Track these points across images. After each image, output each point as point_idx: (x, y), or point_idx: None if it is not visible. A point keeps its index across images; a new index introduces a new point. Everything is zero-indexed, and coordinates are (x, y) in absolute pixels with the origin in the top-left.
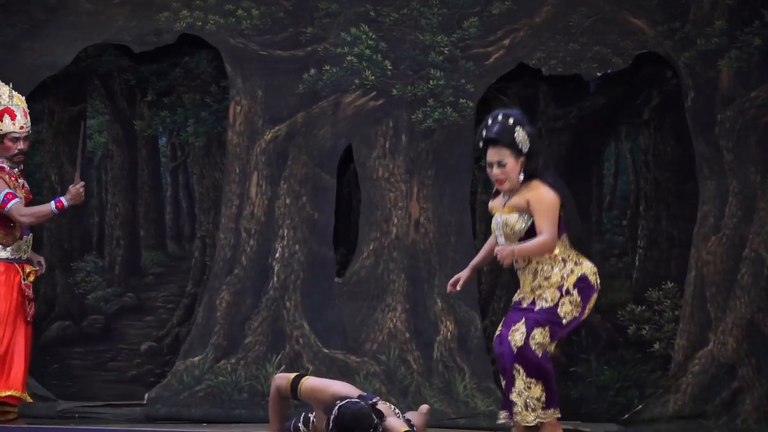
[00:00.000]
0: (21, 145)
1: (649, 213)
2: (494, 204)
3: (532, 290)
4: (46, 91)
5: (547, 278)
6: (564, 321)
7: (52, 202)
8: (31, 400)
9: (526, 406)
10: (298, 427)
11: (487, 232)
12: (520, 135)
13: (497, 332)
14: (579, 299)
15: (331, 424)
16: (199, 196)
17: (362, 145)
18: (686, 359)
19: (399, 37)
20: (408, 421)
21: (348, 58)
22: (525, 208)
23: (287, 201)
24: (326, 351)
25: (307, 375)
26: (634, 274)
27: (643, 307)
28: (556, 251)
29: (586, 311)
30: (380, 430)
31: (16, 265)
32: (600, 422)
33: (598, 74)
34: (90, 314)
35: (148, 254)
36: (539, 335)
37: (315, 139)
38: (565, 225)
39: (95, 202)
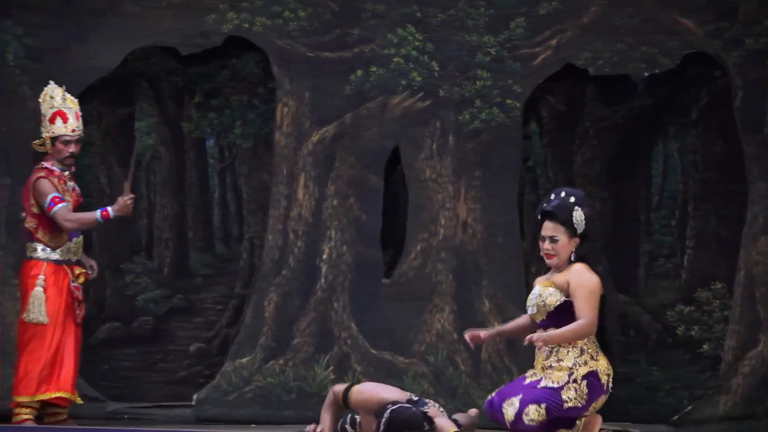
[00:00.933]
0: (72, 149)
1: (698, 213)
2: (539, 278)
3: (543, 368)
4: (95, 93)
5: (560, 360)
6: (565, 405)
7: (99, 211)
8: (81, 401)
9: None
10: (345, 428)
11: (536, 232)
12: (578, 215)
13: (489, 396)
14: (586, 392)
15: (382, 427)
16: (247, 198)
17: (409, 146)
18: (736, 360)
19: (446, 38)
20: (455, 422)
21: (395, 59)
22: (565, 288)
23: (335, 202)
24: (374, 352)
25: (355, 384)
26: (682, 274)
27: (692, 307)
28: (578, 341)
29: (591, 408)
30: None
31: (65, 266)
32: (649, 423)
33: (646, 74)
34: (139, 316)
35: (196, 256)
36: (534, 412)
37: (362, 140)
38: (602, 317)
39: (144, 204)
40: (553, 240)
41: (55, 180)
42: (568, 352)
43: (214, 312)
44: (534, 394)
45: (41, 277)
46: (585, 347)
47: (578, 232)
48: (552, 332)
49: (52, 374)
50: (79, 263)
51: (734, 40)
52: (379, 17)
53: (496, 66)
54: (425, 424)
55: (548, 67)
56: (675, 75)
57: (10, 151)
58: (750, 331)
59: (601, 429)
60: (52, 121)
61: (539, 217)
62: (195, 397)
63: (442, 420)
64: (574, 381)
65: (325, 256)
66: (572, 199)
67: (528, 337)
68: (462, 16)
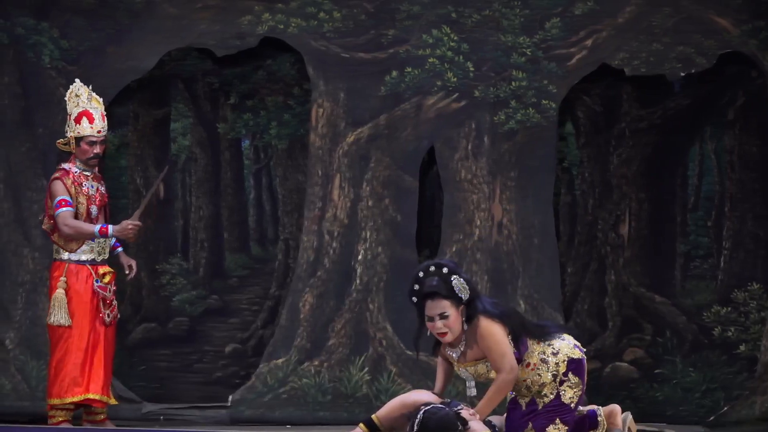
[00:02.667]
0: (97, 149)
1: (735, 214)
2: (450, 355)
3: (532, 394)
4: (131, 94)
5: (542, 384)
6: (572, 405)
7: (98, 227)
8: (116, 402)
9: None
10: None
11: (572, 233)
12: (458, 283)
13: None
14: (577, 379)
15: (415, 428)
16: (282, 199)
17: (445, 146)
18: None
19: (481, 39)
20: (489, 422)
21: (430, 60)
22: (482, 355)
23: (370, 203)
24: (409, 353)
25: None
26: (719, 275)
27: (729, 308)
28: (534, 359)
29: (585, 380)
30: None
31: (89, 267)
32: (685, 425)
33: (682, 74)
34: (175, 316)
35: (231, 257)
36: (554, 431)
37: (397, 141)
38: (524, 333)
39: (179, 204)
40: (443, 317)
41: (69, 181)
42: (540, 375)
43: (250, 313)
44: (542, 419)
45: (62, 279)
46: (543, 357)
47: (463, 299)
48: (480, 405)
49: (82, 376)
50: (104, 263)
51: None
52: (414, 18)
53: (531, 66)
54: (459, 424)
55: (584, 68)
56: (711, 75)
57: (47, 152)
58: None
59: (638, 430)
60: (77, 121)
61: (415, 300)
62: (230, 398)
63: (476, 424)
64: (562, 382)
65: (360, 257)
66: (445, 270)
67: (469, 417)
68: (497, 16)
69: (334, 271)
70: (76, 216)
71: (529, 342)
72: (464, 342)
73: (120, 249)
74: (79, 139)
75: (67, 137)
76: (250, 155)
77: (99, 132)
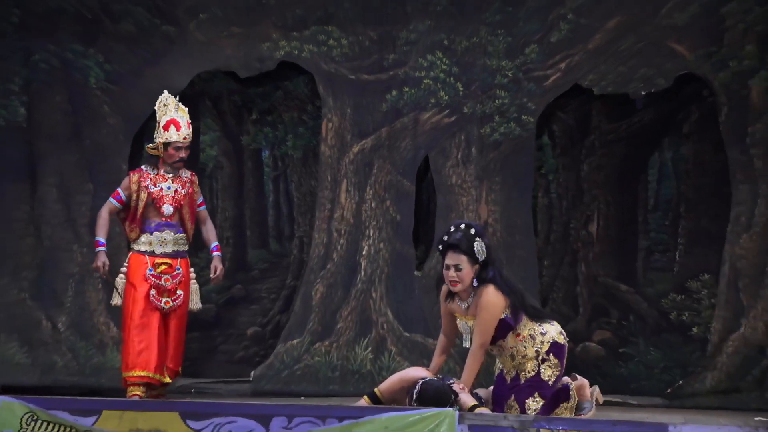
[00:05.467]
0: (182, 154)
1: (689, 214)
2: (454, 308)
3: (515, 366)
4: None
5: (524, 356)
6: (550, 382)
7: (100, 238)
8: (169, 380)
9: None
10: None
11: (548, 231)
12: (479, 245)
13: (491, 410)
14: (557, 361)
15: (414, 397)
16: (297, 201)
17: (438, 155)
18: (721, 341)
19: (469, 62)
20: (475, 395)
21: (425, 81)
22: None
23: (373, 205)
24: (407, 335)
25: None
26: (675, 267)
27: (684, 296)
28: (524, 332)
29: (564, 366)
30: (455, 404)
31: (147, 257)
32: (646, 396)
33: (644, 93)
34: (204, 304)
35: (253, 252)
36: (533, 404)
37: (397, 150)
38: (522, 310)
39: (208, 207)
40: (457, 269)
41: (136, 178)
42: (525, 347)
43: (269, 300)
44: (523, 391)
45: (125, 265)
46: (532, 332)
47: (479, 260)
48: (463, 376)
49: (141, 354)
50: (165, 255)
51: (721, 63)
52: (411, 44)
53: (513, 86)
54: (451, 395)
55: (559, 87)
56: (670, 94)
57: (94, 162)
58: (733, 316)
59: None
60: (166, 128)
61: (440, 248)
62: (252, 374)
63: (465, 396)
64: (543, 360)
65: (364, 252)
66: (472, 231)
67: (458, 389)
68: (484, 43)
69: (342, 264)
70: (134, 208)
71: (525, 318)
72: (472, 297)
73: (216, 253)
74: (166, 145)
75: (156, 143)
76: (270, 163)
77: (185, 138)
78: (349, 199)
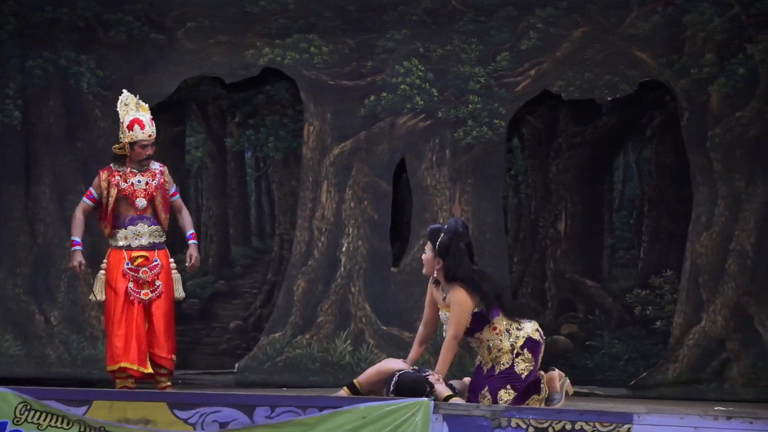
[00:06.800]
0: (149, 151)
1: (652, 213)
2: (437, 297)
3: (492, 359)
4: (154, 115)
5: (500, 349)
6: (522, 376)
7: (75, 239)
8: (151, 371)
9: None
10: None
11: (518, 229)
12: (442, 241)
13: (466, 399)
14: (531, 356)
15: (391, 388)
16: (279, 201)
17: (414, 158)
18: (683, 335)
19: (444, 69)
20: (450, 386)
21: (402, 87)
22: None
23: (352, 204)
24: (384, 328)
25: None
26: (639, 264)
27: (647, 291)
28: (500, 326)
29: (539, 362)
30: (431, 395)
31: (124, 251)
32: (612, 387)
33: (609, 98)
34: (189, 298)
35: (236, 248)
36: (504, 395)
37: (375, 153)
38: (497, 305)
39: (193, 205)
40: (425, 252)
41: (105, 174)
42: (501, 340)
43: (251, 295)
44: (496, 382)
45: (105, 261)
46: (508, 327)
47: (437, 253)
48: (438, 366)
49: (123, 347)
50: (141, 248)
51: (682, 70)
52: (388, 52)
53: (485, 92)
54: (427, 386)
55: (528, 93)
56: (633, 99)
57: (86, 162)
58: (694, 311)
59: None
60: (130, 127)
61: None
62: (236, 365)
63: (440, 386)
64: (518, 354)
65: (344, 250)
66: (445, 227)
67: (433, 378)
68: (457, 51)
69: (322, 260)
70: (104, 205)
71: (501, 313)
72: (447, 292)
73: (192, 241)
74: (133, 144)
75: (121, 142)
76: (252, 164)
77: (150, 136)
78: (329, 199)
